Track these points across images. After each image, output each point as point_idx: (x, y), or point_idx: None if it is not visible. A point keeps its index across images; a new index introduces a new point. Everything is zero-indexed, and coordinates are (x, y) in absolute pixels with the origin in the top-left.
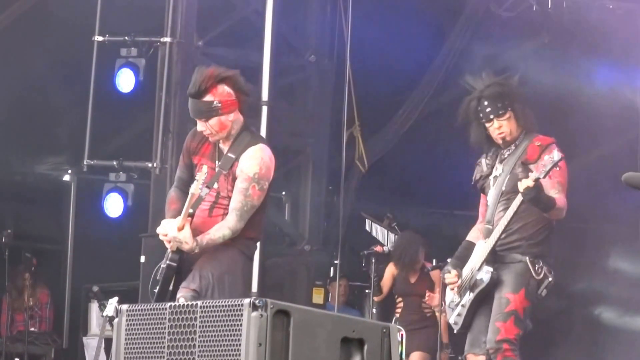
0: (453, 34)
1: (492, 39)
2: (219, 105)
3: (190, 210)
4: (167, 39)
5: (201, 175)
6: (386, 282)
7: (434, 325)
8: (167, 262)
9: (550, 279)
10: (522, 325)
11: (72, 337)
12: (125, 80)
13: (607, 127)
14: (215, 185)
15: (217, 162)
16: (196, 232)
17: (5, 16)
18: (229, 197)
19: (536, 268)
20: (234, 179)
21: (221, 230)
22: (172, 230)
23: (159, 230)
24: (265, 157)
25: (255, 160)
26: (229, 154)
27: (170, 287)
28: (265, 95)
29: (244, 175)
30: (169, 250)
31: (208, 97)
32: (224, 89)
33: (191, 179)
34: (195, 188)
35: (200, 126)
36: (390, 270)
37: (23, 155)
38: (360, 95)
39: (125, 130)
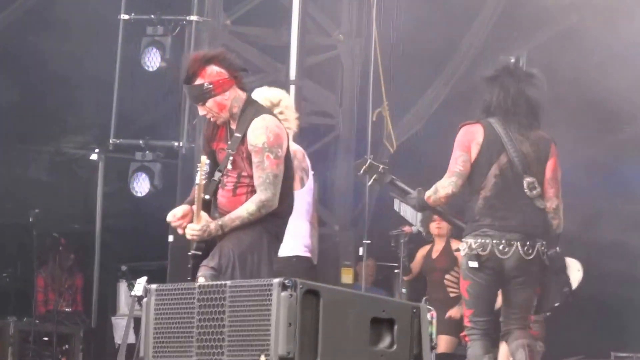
0: (482, 12)
1: (522, 19)
2: (211, 86)
3: (206, 197)
4: (194, 18)
5: (201, 165)
6: (417, 262)
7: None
8: (192, 251)
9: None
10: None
11: (100, 316)
12: (151, 59)
13: None
14: (230, 166)
15: (230, 150)
16: (223, 213)
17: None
18: (251, 176)
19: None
20: (249, 155)
21: (245, 206)
22: (170, 217)
23: (168, 219)
24: (270, 125)
25: (260, 130)
26: (236, 134)
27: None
28: (292, 75)
29: (254, 149)
30: (192, 250)
31: (198, 81)
32: (213, 70)
33: (216, 165)
34: (199, 179)
35: (201, 111)
36: (422, 251)
37: (50, 134)
38: (389, 74)
39: (152, 109)
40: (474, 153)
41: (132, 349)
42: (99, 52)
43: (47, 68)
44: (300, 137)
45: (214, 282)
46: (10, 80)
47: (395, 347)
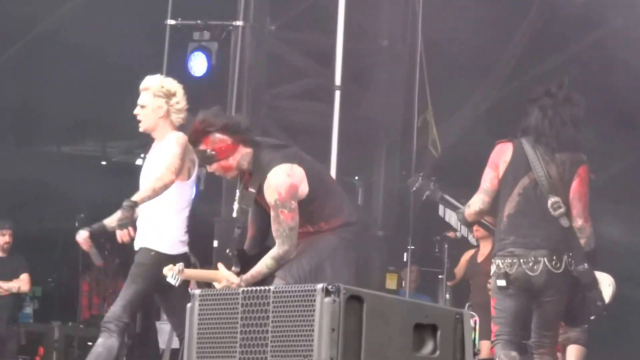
0: (527, 18)
1: (567, 24)
2: (213, 153)
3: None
4: (240, 23)
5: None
6: (460, 267)
7: None
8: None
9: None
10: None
11: (145, 321)
12: (198, 64)
13: None
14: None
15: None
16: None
17: (78, 0)
18: None
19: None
20: (269, 208)
21: (264, 261)
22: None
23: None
24: (278, 180)
25: (270, 189)
26: (250, 189)
27: None
28: (337, 80)
29: (270, 204)
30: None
31: (202, 147)
32: (216, 137)
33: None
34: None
35: (210, 169)
36: (466, 256)
37: (96, 139)
38: (433, 79)
39: (197, 115)
40: (501, 171)
41: (175, 354)
42: (146, 57)
43: (93, 74)
44: (346, 142)
45: (258, 287)
46: (55, 86)
47: (437, 353)
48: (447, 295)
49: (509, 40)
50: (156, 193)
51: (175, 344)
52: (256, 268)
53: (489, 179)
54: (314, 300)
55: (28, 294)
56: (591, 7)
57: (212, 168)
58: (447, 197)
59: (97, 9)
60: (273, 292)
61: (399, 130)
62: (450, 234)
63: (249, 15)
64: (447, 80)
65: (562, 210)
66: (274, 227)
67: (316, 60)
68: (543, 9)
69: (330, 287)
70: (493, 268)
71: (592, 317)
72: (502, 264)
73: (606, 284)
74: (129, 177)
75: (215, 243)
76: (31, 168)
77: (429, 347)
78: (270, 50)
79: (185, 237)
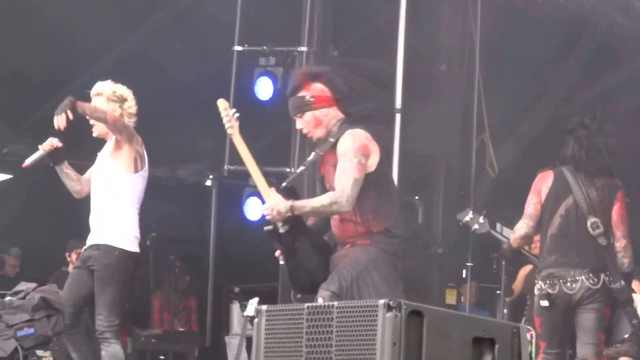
0: (579, 44)
1: (617, 50)
2: (312, 99)
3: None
4: (304, 49)
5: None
6: (518, 283)
7: None
8: (265, 228)
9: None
10: None
11: (214, 336)
12: (264, 89)
13: None
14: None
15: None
16: (341, 241)
17: (149, 27)
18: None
19: None
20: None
21: (319, 197)
22: (265, 209)
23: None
24: (359, 134)
25: (348, 137)
26: (330, 139)
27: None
28: (398, 103)
29: (340, 155)
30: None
31: (301, 93)
32: (317, 86)
33: (324, 191)
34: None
35: (298, 124)
36: (524, 271)
37: (167, 161)
38: (490, 102)
39: (264, 137)
40: (543, 196)
41: None
42: (214, 82)
43: (163, 99)
44: (406, 163)
45: (322, 304)
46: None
47: None
48: (505, 310)
49: (563, 66)
50: (104, 115)
51: (244, 357)
52: (310, 200)
53: (532, 204)
54: (376, 316)
55: None
56: None
57: (305, 118)
58: (492, 231)
59: (168, 35)
60: (337, 307)
61: (457, 151)
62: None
63: (313, 41)
64: (503, 103)
65: (600, 230)
66: (338, 175)
67: (377, 84)
68: (595, 32)
69: (391, 302)
70: (536, 289)
71: (626, 335)
72: (544, 285)
73: None
74: (198, 197)
75: (282, 261)
76: None
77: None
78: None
79: (139, 233)
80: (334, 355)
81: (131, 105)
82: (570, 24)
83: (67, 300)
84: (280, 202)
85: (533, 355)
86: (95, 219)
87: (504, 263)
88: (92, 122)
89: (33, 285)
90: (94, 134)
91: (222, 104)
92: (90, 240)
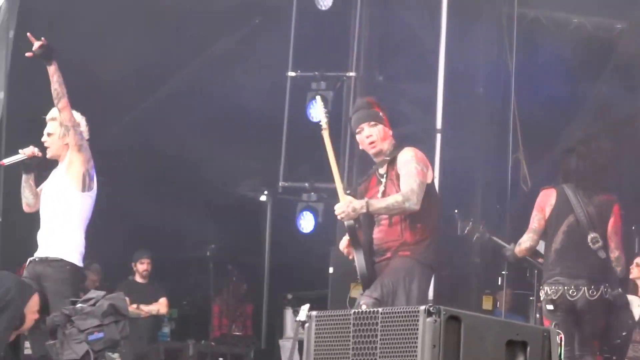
0: (608, 65)
1: None
2: (383, 117)
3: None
4: (352, 74)
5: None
6: None
7: None
8: (346, 224)
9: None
10: None
11: (269, 339)
12: (316, 110)
13: None
14: (380, 195)
15: (381, 179)
16: (382, 248)
17: (209, 53)
18: None
19: None
20: (398, 177)
21: (392, 195)
22: (340, 207)
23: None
24: (417, 150)
25: (408, 151)
26: (385, 157)
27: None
28: (439, 124)
29: (402, 165)
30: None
31: (375, 109)
32: (383, 111)
33: (366, 219)
34: (328, 143)
35: (367, 131)
36: None
37: (225, 179)
38: (524, 122)
39: (316, 155)
40: (547, 213)
41: None
42: (269, 104)
43: (222, 120)
44: (446, 179)
45: (368, 310)
46: (188, 129)
47: None
48: (537, 315)
49: (590, 90)
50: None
51: (296, 359)
52: (382, 199)
53: (537, 220)
54: (417, 320)
55: (166, 316)
56: None
57: (377, 128)
58: (494, 238)
59: (229, 61)
60: (381, 313)
61: (493, 168)
62: (540, 260)
63: (360, 67)
64: (536, 123)
65: (599, 244)
66: (404, 180)
67: (419, 106)
68: (621, 62)
69: (431, 308)
70: (542, 294)
71: (624, 333)
72: (550, 291)
73: (636, 305)
74: (254, 212)
75: (331, 269)
76: (169, 206)
77: None
78: (379, 97)
79: (84, 248)
80: (379, 356)
81: (84, 130)
82: (600, 47)
83: None
84: (355, 200)
85: (562, 356)
86: (45, 234)
87: (536, 271)
88: (46, 143)
89: (102, 293)
90: (48, 155)
91: (319, 100)
92: (40, 254)
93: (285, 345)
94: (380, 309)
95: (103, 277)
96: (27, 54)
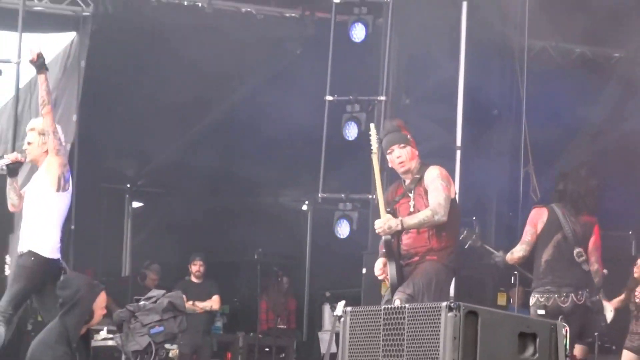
0: (607, 89)
1: None
2: (410, 139)
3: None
4: (382, 98)
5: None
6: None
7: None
8: (384, 238)
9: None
10: None
11: (309, 332)
12: (350, 131)
13: None
14: (412, 208)
15: (409, 193)
16: (411, 253)
17: (258, 80)
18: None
19: None
20: (426, 192)
21: (422, 211)
22: (378, 223)
23: (376, 273)
24: (442, 168)
25: (434, 169)
26: (415, 176)
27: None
28: (458, 141)
29: (429, 182)
30: (383, 237)
31: (404, 132)
32: (410, 134)
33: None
34: (374, 161)
35: (397, 152)
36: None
37: (271, 191)
38: (533, 140)
39: (350, 170)
40: (539, 228)
41: (333, 358)
42: (309, 124)
43: (270, 142)
44: (465, 190)
45: (396, 306)
46: (241, 148)
47: (537, 355)
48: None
49: (592, 111)
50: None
51: (333, 349)
52: (414, 216)
53: (530, 234)
54: (440, 315)
55: (219, 311)
56: None
57: (407, 149)
58: (485, 245)
59: (276, 85)
60: (408, 308)
61: (507, 180)
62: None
63: (389, 91)
64: (544, 141)
65: (583, 258)
66: (432, 196)
67: (441, 125)
68: (619, 84)
69: (452, 304)
70: (533, 300)
71: (596, 333)
72: (541, 297)
73: (608, 310)
74: (297, 219)
75: (364, 271)
76: (222, 215)
77: (530, 351)
78: (405, 118)
79: (59, 244)
80: (406, 347)
81: (61, 136)
82: (600, 72)
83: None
84: (391, 219)
85: (567, 346)
86: (24, 229)
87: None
88: (25, 146)
89: (162, 291)
90: (27, 160)
91: (372, 128)
92: (19, 248)
93: (324, 337)
94: (407, 305)
95: (162, 277)
96: (29, 59)
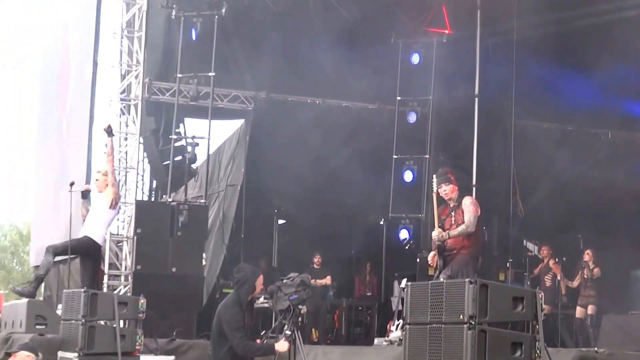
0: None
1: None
2: (452, 179)
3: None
4: (427, 156)
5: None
6: (537, 270)
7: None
8: (437, 243)
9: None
10: None
11: (385, 297)
12: (408, 177)
13: None
14: (453, 221)
15: (452, 213)
16: (449, 247)
17: (349, 149)
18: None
19: None
20: (462, 213)
21: (460, 226)
22: (435, 233)
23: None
24: (472, 198)
25: (467, 199)
26: (455, 203)
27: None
28: (474, 181)
29: (464, 206)
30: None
31: (449, 175)
32: (453, 176)
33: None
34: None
35: (444, 188)
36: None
37: (353, 214)
38: (520, 183)
39: (408, 202)
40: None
41: (400, 313)
42: (379, 175)
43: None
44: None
45: (439, 281)
46: (343, 185)
47: (524, 310)
48: (528, 283)
49: (560, 153)
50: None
51: (400, 308)
52: (456, 230)
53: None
54: (464, 287)
55: (330, 285)
56: None
57: (448, 187)
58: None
59: (357, 159)
60: (445, 283)
61: (504, 205)
62: (529, 254)
63: (431, 150)
64: (530, 184)
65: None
66: (467, 215)
67: (462, 171)
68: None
69: (472, 280)
70: None
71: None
72: None
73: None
74: (376, 230)
75: (418, 259)
76: (332, 226)
77: (519, 307)
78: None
79: (104, 237)
80: (444, 306)
81: (116, 175)
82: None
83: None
84: (443, 232)
85: (542, 305)
86: (87, 225)
87: (527, 259)
88: (97, 184)
89: (296, 274)
90: (97, 189)
91: (434, 178)
92: (81, 233)
93: (394, 301)
94: (445, 281)
95: (295, 265)
96: (103, 128)
